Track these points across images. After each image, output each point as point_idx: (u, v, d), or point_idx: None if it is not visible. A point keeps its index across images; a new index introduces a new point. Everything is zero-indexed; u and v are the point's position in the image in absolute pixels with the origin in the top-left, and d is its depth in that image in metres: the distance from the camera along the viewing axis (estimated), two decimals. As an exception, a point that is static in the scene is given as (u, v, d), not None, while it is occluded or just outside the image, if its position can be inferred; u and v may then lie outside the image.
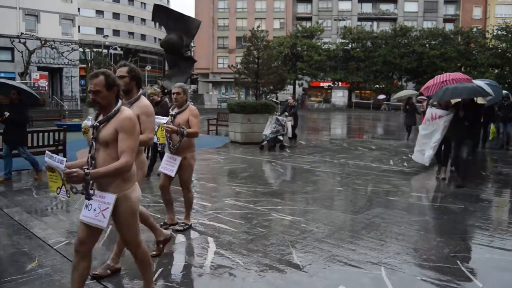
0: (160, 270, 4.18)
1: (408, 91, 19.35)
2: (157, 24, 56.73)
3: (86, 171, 2.88)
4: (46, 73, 39.50)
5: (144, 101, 4.03)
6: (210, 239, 5.05)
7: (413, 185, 8.58)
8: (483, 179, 9.27)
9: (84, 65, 39.08)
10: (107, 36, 45.43)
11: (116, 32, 61.91)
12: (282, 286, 3.85)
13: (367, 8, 61.67)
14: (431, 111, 8.89)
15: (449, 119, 8.42)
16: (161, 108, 7.89)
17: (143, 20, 66.49)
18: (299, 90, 55.57)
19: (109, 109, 3.11)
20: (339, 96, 53.84)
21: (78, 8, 46.79)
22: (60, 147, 9.57)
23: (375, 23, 60.90)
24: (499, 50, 47.39)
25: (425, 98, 11.21)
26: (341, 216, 6.14)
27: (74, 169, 2.86)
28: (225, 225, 5.61)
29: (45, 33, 36.87)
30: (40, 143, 9.27)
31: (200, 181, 8.88)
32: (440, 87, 8.80)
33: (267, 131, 13.00)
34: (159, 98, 8.40)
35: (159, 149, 5.14)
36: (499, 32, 47.78)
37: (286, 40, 51.02)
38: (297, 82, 52.83)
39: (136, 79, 4.05)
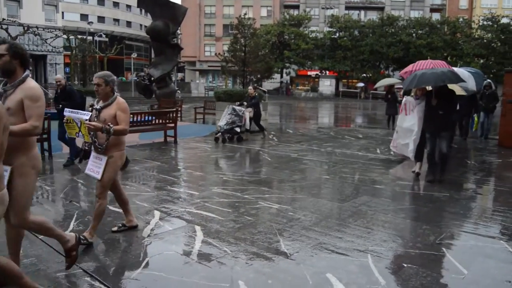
0: (147, 259, 4.16)
1: (389, 79, 19.25)
2: (143, 10, 56.07)
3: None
4: (29, 60, 38.77)
5: (30, 83, 3.46)
6: (197, 228, 5.04)
7: (399, 174, 8.65)
8: (468, 167, 9.38)
9: (69, 52, 38.45)
10: (92, 22, 44.63)
11: (101, 19, 60.92)
12: (270, 274, 3.86)
13: (355, -4, 61.63)
14: (404, 101, 8.40)
15: (422, 108, 7.75)
16: (61, 93, 7.93)
17: (128, 6, 65.47)
18: (284, 78, 55.51)
19: None
20: (327, 85, 53.93)
21: (62, -6, 45.86)
22: (45, 136, 9.42)
23: (362, 12, 60.89)
24: (485, 41, 47.87)
25: (402, 86, 11.08)
26: (328, 204, 6.17)
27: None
28: (212, 213, 5.60)
29: (27, 19, 36.09)
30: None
31: (188, 169, 8.85)
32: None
33: (222, 122, 12.20)
34: (64, 84, 8.22)
35: (85, 147, 4.56)
36: (485, 23, 48.22)
37: (273, 28, 50.84)
38: (284, 70, 52.76)
39: (19, 57, 3.47)
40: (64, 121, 4.84)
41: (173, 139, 12.01)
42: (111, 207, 5.81)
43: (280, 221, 5.31)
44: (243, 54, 15.68)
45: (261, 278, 3.79)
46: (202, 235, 4.80)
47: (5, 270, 2.95)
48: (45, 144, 9.49)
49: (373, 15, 57.01)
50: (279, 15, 58.12)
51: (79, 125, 4.55)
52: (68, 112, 4.70)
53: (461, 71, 9.29)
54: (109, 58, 37.08)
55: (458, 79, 7.41)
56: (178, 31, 36.24)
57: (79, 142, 7.47)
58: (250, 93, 13.13)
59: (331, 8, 57.47)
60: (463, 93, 9.09)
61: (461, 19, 51.11)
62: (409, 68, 9.01)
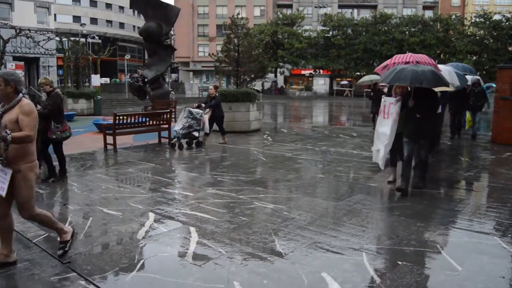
0: (142, 261, 4.15)
1: (373, 76, 19.15)
2: (136, 12, 55.89)
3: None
4: (22, 63, 38.42)
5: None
6: (192, 229, 5.03)
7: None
8: (461, 164, 9.42)
9: (62, 55, 38.24)
10: (84, 24, 44.37)
11: (93, 21, 60.65)
12: (265, 274, 3.86)
13: (347, -5, 61.76)
14: (384, 102, 6.94)
15: (397, 110, 6.61)
16: (50, 100, 7.15)
17: (121, 8, 65.21)
18: (272, 77, 55.50)
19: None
20: (321, 84, 54.00)
21: (54, -4, 45.63)
22: (38, 139, 9.36)
23: (355, 10, 61.02)
24: (477, 37, 48.13)
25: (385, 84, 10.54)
26: (323, 203, 6.17)
27: None
28: (207, 214, 5.59)
29: (19, 21, 35.88)
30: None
31: (182, 170, 8.83)
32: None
33: (178, 126, 11.07)
34: (51, 88, 7.30)
35: None
36: (477, 20, 48.48)
37: (266, 28, 50.84)
38: (278, 70, 52.78)
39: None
40: None
41: (167, 140, 11.98)
42: (105, 210, 5.80)
43: (275, 221, 5.32)
44: (236, 54, 15.69)
45: (257, 278, 3.79)
46: (197, 236, 4.79)
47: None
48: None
49: (366, 13, 57.11)
50: (272, 14, 58.12)
51: None
52: None
53: (443, 68, 8.89)
54: (102, 59, 36.86)
55: (438, 82, 6.42)
56: (171, 32, 36.15)
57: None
58: (210, 93, 11.86)
59: (324, 7, 57.54)
60: (449, 89, 8.16)
61: (453, 16, 51.35)
62: (386, 62, 8.32)
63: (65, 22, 54.20)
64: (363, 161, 9.37)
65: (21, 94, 3.88)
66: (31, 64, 41.79)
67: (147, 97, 22.40)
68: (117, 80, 58.54)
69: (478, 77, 13.21)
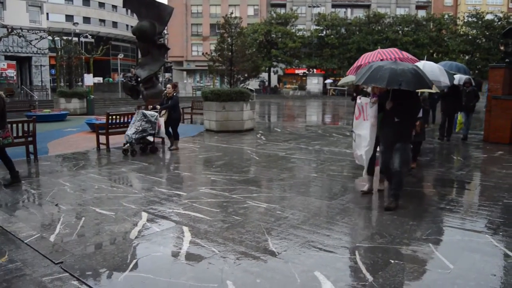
0: (134, 260, 4.13)
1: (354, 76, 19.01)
2: (129, 11, 55.65)
3: None
4: (14, 62, 38.30)
5: None
6: (185, 228, 5.02)
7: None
8: (454, 163, 9.47)
9: (54, 54, 38.04)
10: (77, 23, 44.21)
11: (86, 20, 60.35)
12: (258, 273, 3.86)
13: (341, -6, 61.86)
14: (360, 102, 6.24)
15: (374, 113, 6.00)
16: None
17: (114, 7, 64.95)
18: (261, 77, 55.46)
19: None
20: (314, 83, 54.06)
21: (46, -5, 45.33)
22: (30, 139, 9.32)
23: (349, 10, 61.13)
24: (470, 37, 48.40)
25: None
26: (316, 202, 6.19)
27: None
28: (200, 214, 5.58)
29: (11, 20, 35.64)
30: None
31: (175, 170, 8.81)
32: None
33: (130, 130, 10.01)
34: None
35: None
36: (470, 19, 48.77)
37: (260, 27, 50.82)
38: (272, 69, 52.78)
39: None
40: None
41: (160, 140, 11.94)
42: (97, 210, 5.78)
43: (268, 220, 5.32)
44: (230, 53, 15.65)
45: (250, 277, 3.79)
46: (190, 236, 4.79)
47: None
48: (31, 147, 9.37)
49: (360, 13, 57.23)
50: (266, 13, 58.09)
51: None
52: None
53: (430, 66, 8.61)
54: (95, 59, 36.68)
55: (420, 83, 5.59)
56: (165, 31, 36.07)
57: None
58: (167, 93, 10.80)
59: (318, 6, 57.62)
60: (433, 90, 7.47)
61: (446, 16, 51.63)
62: (358, 62, 7.57)
63: (57, 21, 53.89)
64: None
65: None
66: (23, 63, 41.54)
67: (141, 96, 22.31)
68: (110, 79, 58.33)
69: (469, 77, 12.54)
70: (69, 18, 56.47)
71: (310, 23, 57.09)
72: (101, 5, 64.21)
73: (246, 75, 16.13)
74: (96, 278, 3.79)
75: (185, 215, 5.54)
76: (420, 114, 7.04)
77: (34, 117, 9.91)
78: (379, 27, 51.04)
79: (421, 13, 55.64)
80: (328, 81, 51.25)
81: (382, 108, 5.90)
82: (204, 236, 4.77)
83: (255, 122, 16.15)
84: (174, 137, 10.93)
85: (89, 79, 28.29)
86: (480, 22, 47.68)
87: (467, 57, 48.22)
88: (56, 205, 6.02)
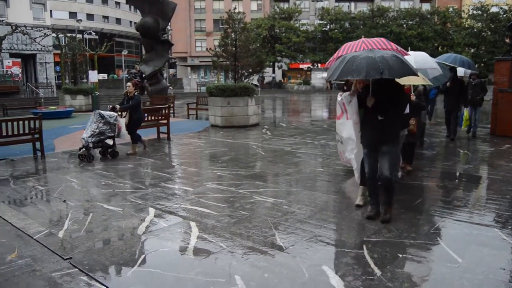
0: (143, 256, 4.15)
1: None
2: (133, 7, 55.65)
3: None
4: (19, 60, 38.43)
5: None
6: (192, 224, 5.03)
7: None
8: (461, 156, 9.43)
9: (59, 51, 38.15)
10: (81, 20, 44.30)
11: (90, 16, 60.44)
12: (266, 268, 3.87)
13: (345, -12, 61.54)
14: (340, 99, 5.61)
15: (354, 109, 5.32)
16: None
17: (117, 3, 64.99)
18: (269, 71, 55.37)
19: None
20: (319, 78, 53.84)
21: (50, -8, 45.39)
22: (36, 136, 9.36)
23: (352, 4, 60.83)
24: (475, 30, 48.01)
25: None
26: (322, 197, 6.18)
27: None
28: (207, 209, 5.59)
29: (15, 18, 35.71)
30: (16, 132, 9.04)
31: (182, 165, 8.83)
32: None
33: (86, 133, 9.05)
34: None
35: None
36: (475, 12, 48.35)
37: (264, 22, 50.66)
38: (276, 64, 52.67)
39: None
40: None
41: (166, 135, 11.97)
42: (105, 206, 5.81)
43: (275, 215, 5.32)
44: (234, 48, 15.64)
45: (257, 272, 3.80)
46: (198, 231, 4.80)
47: None
48: (37, 144, 9.41)
49: (363, 7, 56.94)
50: (269, 8, 57.91)
51: None
52: None
53: (421, 55, 8.00)
54: (99, 55, 36.79)
55: (404, 70, 4.71)
56: (168, 27, 36.04)
57: None
58: (128, 91, 9.79)
59: (321, 1, 57.34)
60: (424, 82, 7.10)
61: (451, 9, 51.25)
62: (337, 54, 6.64)
63: (61, 18, 54.01)
64: (362, 155, 9.37)
65: None
66: (28, 60, 41.65)
67: (145, 92, 22.36)
68: (115, 76, 58.41)
69: (476, 71, 11.82)
70: (72, 15, 56.63)
71: (313, 17, 56.87)
72: (105, 1, 64.26)
73: (250, 70, 16.08)
74: (105, 274, 3.81)
75: (192, 211, 5.55)
76: (407, 110, 6.19)
77: (40, 114, 9.95)
78: (383, 21, 50.77)
79: (426, 7, 55.27)
80: (324, 75, 51.05)
81: (363, 103, 5.05)
82: (211, 231, 4.78)
83: (260, 117, 16.13)
84: (132, 140, 9.84)
85: (94, 76, 28.37)
86: (485, 15, 47.27)
87: (472, 50, 47.88)
88: (64, 201, 6.05)
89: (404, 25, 49.97)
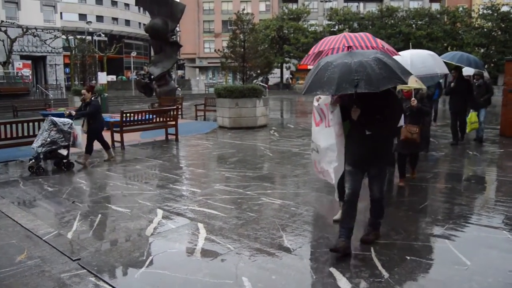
0: (150, 257, 4.18)
1: None
2: (141, 9, 55.92)
3: None
4: (29, 61, 38.84)
5: None
6: (200, 225, 5.05)
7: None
8: (470, 158, 9.35)
9: (68, 53, 38.48)
10: (90, 22, 44.63)
11: (99, 18, 60.83)
12: (273, 270, 3.87)
13: (353, -11, 61.38)
14: (318, 104, 4.74)
15: (337, 119, 4.40)
16: None
17: (126, 5, 65.34)
18: (278, 72, 55.32)
19: None
20: (327, 79, 53.73)
21: (60, -6, 45.78)
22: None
23: (361, 4, 60.66)
24: (485, 30, 47.59)
25: None
26: (330, 199, 6.17)
27: None
28: (215, 210, 5.61)
29: (26, 20, 36.15)
30: (26, 133, 9.13)
31: (189, 167, 8.86)
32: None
33: (36, 142, 8.07)
34: None
35: None
36: (485, 11, 47.93)
37: (272, 23, 50.66)
38: (284, 65, 52.65)
39: None
40: None
41: (174, 137, 12.02)
42: (113, 207, 5.84)
43: (283, 217, 5.32)
44: (242, 49, 15.68)
45: (265, 273, 3.81)
46: (205, 233, 4.81)
47: None
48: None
49: (372, 7, 56.73)
50: (277, 9, 57.92)
51: None
52: None
53: (420, 56, 7.42)
54: (108, 57, 37.07)
55: (387, 79, 3.69)
56: (177, 28, 36.16)
57: None
58: (83, 97, 8.79)
59: (330, 1, 57.23)
60: (418, 86, 6.26)
61: (460, 9, 50.83)
62: (315, 47, 5.75)
63: (71, 20, 54.42)
64: (371, 156, 9.32)
65: None
66: (38, 62, 42.08)
67: (154, 94, 22.47)
68: (124, 77, 58.75)
69: (479, 70, 10.91)
70: (82, 17, 57.00)
71: (322, 18, 56.75)
72: (114, 3, 64.64)
73: (258, 71, 16.09)
74: (113, 275, 3.84)
75: (200, 212, 5.57)
76: (402, 123, 5.79)
77: (49, 116, 10.03)
78: (392, 21, 50.51)
79: (435, 6, 54.93)
80: None
81: (348, 115, 4.17)
82: (219, 233, 4.79)
83: (268, 118, 16.13)
84: (86, 149, 8.80)
85: (103, 77, 28.58)
86: (495, 14, 46.84)
87: (482, 50, 47.45)
88: (73, 202, 6.10)
89: (414, 25, 49.68)
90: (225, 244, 4.46)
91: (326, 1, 57.30)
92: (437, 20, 49.52)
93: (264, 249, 4.33)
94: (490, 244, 4.42)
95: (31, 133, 9.20)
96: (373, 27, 50.06)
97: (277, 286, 3.61)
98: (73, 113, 8.75)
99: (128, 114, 11.17)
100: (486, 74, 12.37)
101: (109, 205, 5.93)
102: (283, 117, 21.29)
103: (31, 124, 9.23)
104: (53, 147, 8.13)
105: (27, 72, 37.04)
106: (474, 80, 10.86)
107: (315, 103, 4.68)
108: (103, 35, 45.02)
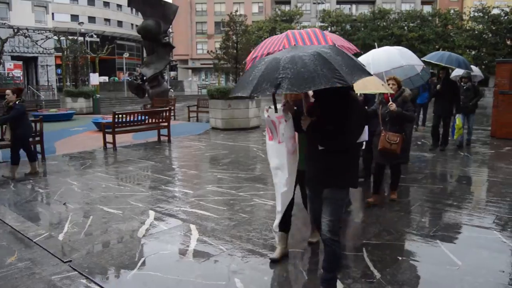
0: (142, 259, 4.16)
1: None
2: (134, 10, 55.76)
3: None
4: (20, 62, 38.51)
5: None
6: (192, 226, 5.03)
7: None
8: (461, 159, 9.42)
9: (60, 54, 38.26)
10: (82, 23, 44.41)
11: (91, 19, 60.52)
12: (266, 271, 3.87)
13: (346, -9, 61.69)
14: (266, 116, 3.70)
15: (289, 132, 3.60)
16: None
17: (119, 6, 65.08)
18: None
19: None
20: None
21: (51, -5, 45.52)
22: (37, 138, 9.37)
23: (353, 6, 60.98)
24: (476, 32, 48.01)
25: None
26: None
27: None
28: (207, 212, 5.59)
29: (17, 21, 35.82)
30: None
31: (182, 168, 8.84)
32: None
33: None
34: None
35: None
36: (476, 14, 48.36)
37: (265, 25, 50.73)
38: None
39: None
40: None
41: (166, 138, 11.98)
42: (105, 208, 5.81)
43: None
44: (235, 51, 15.69)
45: (257, 274, 3.80)
46: (198, 234, 4.80)
47: None
48: (38, 147, 9.42)
49: (365, 9, 57.06)
50: (270, 11, 58.03)
51: None
52: None
53: (385, 51, 6.78)
54: (100, 58, 36.85)
55: (322, 77, 2.78)
56: (170, 30, 36.10)
57: None
58: (7, 99, 7.77)
59: (323, 3, 57.37)
60: (385, 90, 5.38)
61: (452, 11, 51.28)
62: (253, 52, 5.34)
63: (63, 21, 54.09)
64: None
65: None
66: (29, 63, 41.77)
67: (146, 95, 22.40)
68: (116, 78, 58.53)
69: (468, 71, 10.10)
70: (74, 17, 56.69)
71: (315, 19, 56.89)
72: (106, 4, 64.38)
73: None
74: (104, 277, 3.82)
75: (192, 213, 5.55)
76: (365, 136, 4.41)
77: (41, 117, 9.98)
78: (384, 23, 50.78)
79: (427, 9, 55.39)
80: None
81: (297, 127, 3.52)
82: (211, 234, 4.78)
83: (261, 119, 16.12)
84: (28, 157, 7.96)
85: (95, 78, 28.42)
86: (486, 17, 47.26)
87: (473, 52, 47.85)
88: (64, 204, 6.06)
89: (405, 28, 50.01)
90: (217, 245, 4.45)
91: (318, 3, 57.48)
92: (429, 23, 49.86)
93: (256, 250, 4.32)
94: (481, 244, 4.45)
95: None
96: (366, 29, 50.32)
97: (270, 287, 3.61)
98: None
99: (120, 115, 11.13)
100: (480, 73, 12.32)
101: (101, 207, 5.89)
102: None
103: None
104: None
105: (18, 73, 36.74)
106: (462, 83, 10.27)
107: (265, 114, 3.68)
108: (95, 36, 44.78)
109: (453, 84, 9.81)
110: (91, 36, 43.36)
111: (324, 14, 52.60)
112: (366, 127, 3.82)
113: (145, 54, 25.87)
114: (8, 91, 7.85)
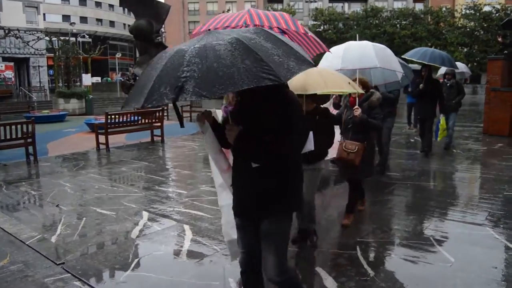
0: (136, 259, 4.14)
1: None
2: (126, 10, 55.55)
3: None
4: (11, 63, 38.21)
5: None
6: (186, 227, 5.02)
7: (387, 165, 8.68)
8: (453, 156, 9.47)
9: (52, 55, 38.04)
10: (74, 23, 44.21)
11: (83, 19, 60.20)
12: (260, 270, 3.87)
13: (338, -11, 61.78)
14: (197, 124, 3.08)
15: (216, 149, 3.09)
16: None
17: (111, 6, 64.77)
18: None
19: None
20: (312, 78, 53.92)
21: (43, -5, 45.21)
22: (29, 140, 9.31)
23: (346, 4, 61.08)
24: (468, 29, 48.30)
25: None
26: (316, 199, 6.17)
27: None
28: (201, 212, 5.58)
29: (8, 21, 35.51)
30: (8, 136, 8.99)
31: (175, 168, 8.82)
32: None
33: None
34: None
35: None
36: (468, 11, 48.65)
37: (258, 24, 50.76)
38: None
39: None
40: None
41: (160, 138, 11.95)
42: (98, 210, 5.78)
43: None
44: (228, 50, 15.80)
45: (251, 274, 3.80)
46: (191, 234, 4.79)
47: None
48: (30, 148, 9.36)
49: (357, 7, 57.17)
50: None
51: None
52: None
53: (359, 43, 5.97)
54: (93, 58, 36.68)
55: (252, 71, 2.01)
56: (162, 29, 36.01)
57: None
58: None
59: (315, 1, 57.48)
60: (353, 90, 4.33)
61: (444, 9, 51.53)
62: (204, 25, 4.80)
63: (54, 21, 53.77)
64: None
65: None
66: (21, 64, 41.43)
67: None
68: (109, 79, 58.25)
69: (451, 68, 9.49)
70: (66, 18, 56.36)
71: (307, 18, 57.00)
72: (98, 4, 64.05)
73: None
74: (98, 278, 3.80)
75: (186, 214, 5.54)
76: (310, 145, 3.26)
77: (33, 118, 9.90)
78: (377, 21, 50.97)
79: (419, 6, 55.60)
80: None
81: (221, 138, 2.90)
82: (205, 234, 4.77)
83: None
84: None
85: (87, 79, 28.31)
86: (477, 14, 47.57)
87: (465, 50, 48.15)
88: (57, 205, 6.02)
89: (398, 25, 50.19)
90: (211, 246, 4.45)
91: (311, 2, 57.54)
92: (421, 20, 50.10)
93: (250, 249, 4.32)
94: (474, 240, 4.48)
95: (13, 136, 9.07)
96: (358, 27, 50.45)
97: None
98: None
99: (113, 116, 11.08)
100: (467, 69, 12.28)
101: (94, 208, 5.86)
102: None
103: (13, 127, 9.08)
104: None
105: (9, 74, 36.46)
106: (445, 80, 9.64)
107: (196, 123, 3.09)
108: (87, 36, 44.58)
109: (436, 83, 9.01)
110: (83, 37, 43.18)
111: (317, 13, 52.70)
112: (311, 134, 3.16)
113: (137, 54, 25.78)
114: None
